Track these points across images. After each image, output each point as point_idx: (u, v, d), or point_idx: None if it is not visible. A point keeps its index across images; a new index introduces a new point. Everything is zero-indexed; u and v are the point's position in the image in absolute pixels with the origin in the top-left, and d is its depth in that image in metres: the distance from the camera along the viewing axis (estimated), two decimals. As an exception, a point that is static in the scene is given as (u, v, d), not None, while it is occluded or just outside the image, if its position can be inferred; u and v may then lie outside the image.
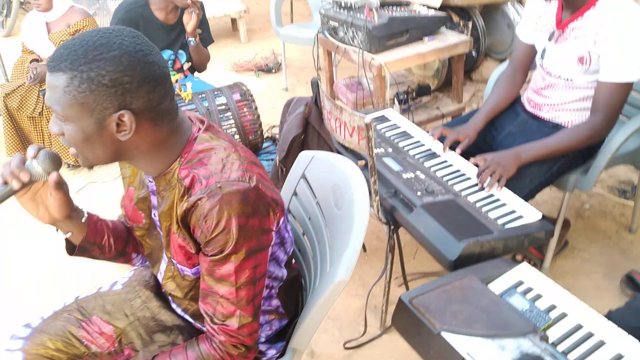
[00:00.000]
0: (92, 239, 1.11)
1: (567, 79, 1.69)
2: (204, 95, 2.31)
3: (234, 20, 4.76)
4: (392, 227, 1.61)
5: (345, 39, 2.62)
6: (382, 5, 2.59)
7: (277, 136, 2.70)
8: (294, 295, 1.17)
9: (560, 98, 1.74)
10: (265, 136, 2.53)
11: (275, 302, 1.09)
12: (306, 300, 1.17)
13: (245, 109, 2.27)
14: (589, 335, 1.03)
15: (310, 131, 1.75)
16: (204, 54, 2.53)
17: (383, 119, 1.97)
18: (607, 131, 1.66)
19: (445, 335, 1.01)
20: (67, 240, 1.10)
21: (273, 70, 4.03)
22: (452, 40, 2.58)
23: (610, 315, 1.16)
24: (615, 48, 1.53)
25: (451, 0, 3.04)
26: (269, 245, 0.94)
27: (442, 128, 1.82)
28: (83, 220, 1.08)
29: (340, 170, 1.14)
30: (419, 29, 2.56)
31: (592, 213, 2.34)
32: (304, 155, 1.29)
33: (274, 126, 2.84)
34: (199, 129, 0.96)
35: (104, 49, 0.82)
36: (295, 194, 1.30)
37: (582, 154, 1.72)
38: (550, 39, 1.71)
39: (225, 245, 0.88)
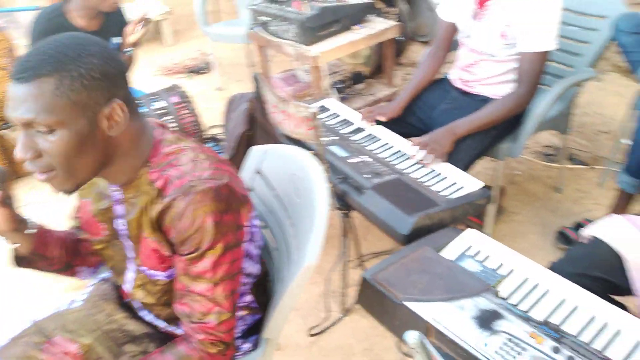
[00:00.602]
0: (40, 251, 1.09)
1: (491, 54, 1.82)
2: (140, 101, 2.26)
3: (157, 23, 4.64)
4: (345, 211, 1.67)
5: (277, 32, 2.65)
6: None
7: (219, 136, 2.70)
8: (264, 289, 1.20)
9: (486, 73, 1.87)
10: (205, 137, 2.52)
11: (249, 297, 1.12)
12: (274, 291, 1.20)
13: (184, 111, 2.25)
14: (535, 286, 1.14)
15: (256, 126, 1.77)
16: (132, 61, 2.48)
17: (323, 108, 2.02)
18: (530, 99, 1.80)
19: (409, 304, 1.08)
20: (13, 250, 1.07)
21: (204, 71, 3.98)
22: (381, 26, 2.67)
23: (552, 267, 1.27)
24: (531, 20, 1.67)
25: (373, -12, 3.13)
26: (243, 241, 0.97)
27: (367, 108, 1.93)
28: (32, 231, 1.06)
29: (297, 160, 1.18)
30: (348, 17, 2.63)
31: (523, 178, 2.52)
32: (257, 150, 1.32)
33: (212, 126, 2.82)
34: (162, 132, 0.97)
35: (83, 46, 0.83)
36: (251, 189, 1.33)
37: (510, 123, 1.86)
38: (472, 17, 1.83)
39: (201, 243, 0.90)
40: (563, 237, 2.07)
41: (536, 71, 1.74)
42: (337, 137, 1.81)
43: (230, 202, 0.91)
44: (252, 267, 1.08)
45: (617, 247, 1.25)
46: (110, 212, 1.03)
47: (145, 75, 3.94)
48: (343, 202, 1.62)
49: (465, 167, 1.76)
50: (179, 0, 4.82)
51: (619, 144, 2.25)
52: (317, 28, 2.51)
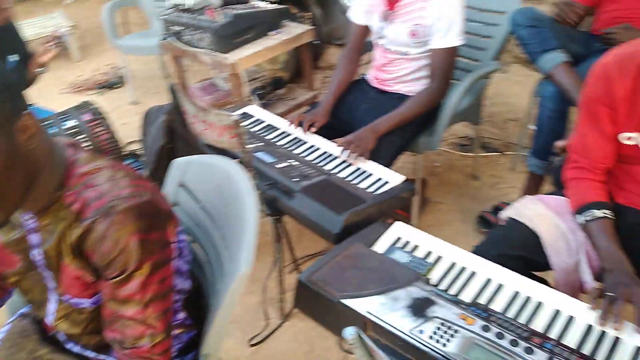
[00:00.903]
0: None
1: (404, 53, 1.89)
2: (49, 121, 2.13)
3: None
4: (276, 217, 1.67)
5: (192, 41, 2.60)
6: (224, 4, 2.61)
7: (138, 151, 2.59)
8: (198, 305, 1.17)
9: (401, 71, 1.95)
10: (123, 154, 2.42)
11: (182, 314, 1.09)
12: (209, 306, 1.18)
13: (99, 129, 2.14)
14: (462, 270, 1.20)
15: (176, 138, 1.73)
16: (34, 79, 2.34)
17: (246, 115, 2.01)
18: (444, 93, 1.89)
19: (345, 301, 1.10)
20: None
21: (117, 86, 3.82)
22: (296, 31, 2.69)
23: (475, 250, 1.34)
24: (439, 18, 1.77)
25: (287, -7, 3.16)
26: (172, 258, 0.94)
27: (296, 115, 1.93)
28: None
29: (221, 169, 1.16)
30: (264, 24, 2.63)
31: (443, 169, 2.64)
32: (179, 163, 1.28)
33: (131, 142, 2.71)
34: (75, 152, 0.92)
35: None
36: (175, 204, 1.29)
37: (426, 118, 1.94)
38: (383, 19, 1.89)
39: (127, 264, 0.85)
40: (483, 221, 2.19)
41: (447, 66, 1.84)
42: (263, 143, 1.80)
43: (154, 219, 0.88)
44: (183, 284, 1.05)
45: (532, 225, 1.34)
46: (24, 243, 0.96)
47: (53, 94, 3.73)
48: (273, 208, 1.61)
49: (389, 163, 1.83)
50: (84, 13, 4.61)
51: (525, 130, 2.42)
52: (232, 35, 2.49)
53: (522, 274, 1.18)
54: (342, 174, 1.62)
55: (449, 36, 1.79)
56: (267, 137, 1.85)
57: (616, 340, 1.02)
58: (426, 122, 1.97)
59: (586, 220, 1.26)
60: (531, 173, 2.07)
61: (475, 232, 2.20)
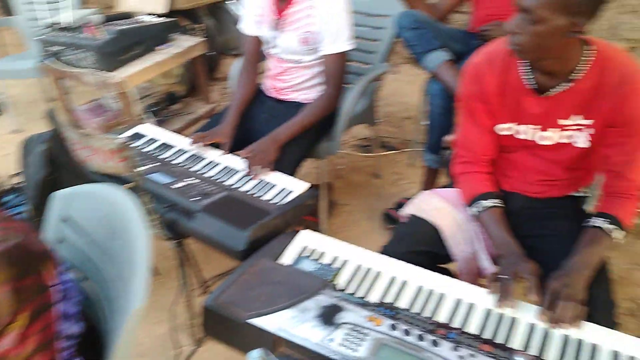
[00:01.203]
0: None
1: (297, 61, 1.90)
2: None
3: None
4: (178, 240, 1.59)
5: (73, 61, 2.42)
6: (106, 21, 2.47)
7: (20, 185, 2.37)
8: (93, 346, 1.07)
9: (296, 79, 1.95)
10: (3, 189, 2.20)
11: (76, 360, 0.99)
12: (106, 345, 1.09)
13: (-30, 164, 1.92)
14: (368, 271, 1.21)
15: (59, 168, 1.59)
16: None
17: (138, 135, 1.90)
18: (339, 98, 1.92)
19: (253, 320, 1.06)
20: None
21: (-5, 113, 3.48)
22: (187, 43, 2.61)
23: (384, 250, 1.36)
24: (327, 24, 1.79)
25: (175, 6, 3.06)
26: (53, 302, 0.85)
27: (197, 134, 1.84)
28: None
29: (108, 198, 1.08)
30: (151, 38, 2.52)
31: (346, 171, 2.69)
32: (60, 196, 1.18)
33: (13, 175, 2.47)
34: None
35: None
36: (60, 240, 1.18)
37: (324, 123, 1.96)
38: (273, 28, 1.88)
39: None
40: (388, 218, 2.26)
41: (339, 71, 1.87)
42: (158, 164, 1.72)
43: (26, 263, 0.80)
44: (72, 328, 0.96)
45: (432, 220, 1.39)
46: None
47: None
48: (174, 231, 1.53)
49: (292, 172, 1.82)
50: (-52, 36, 4.16)
51: (419, 127, 2.53)
52: (117, 52, 2.36)
53: (429, 268, 1.22)
54: (245, 188, 1.58)
55: (338, 41, 1.82)
56: (162, 157, 1.76)
57: (513, 320, 1.08)
58: (325, 128, 1.99)
59: (478, 212, 1.33)
60: (428, 167, 2.17)
61: (382, 229, 2.26)
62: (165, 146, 1.83)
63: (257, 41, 2.01)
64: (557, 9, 1.06)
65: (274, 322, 1.05)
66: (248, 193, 1.56)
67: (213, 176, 1.65)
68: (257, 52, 2.04)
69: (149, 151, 1.80)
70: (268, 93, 2.05)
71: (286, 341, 1.03)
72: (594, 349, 1.01)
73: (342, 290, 1.15)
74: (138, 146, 1.83)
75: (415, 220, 1.42)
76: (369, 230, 2.26)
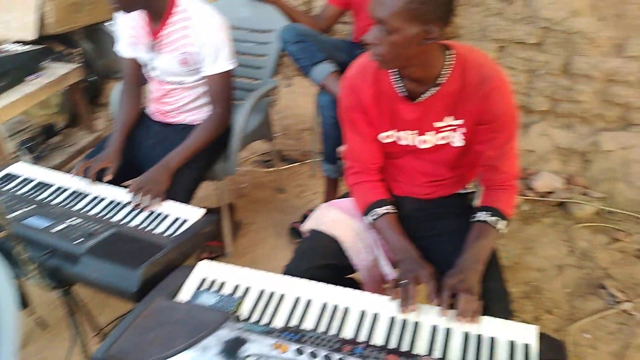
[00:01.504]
0: None
1: (179, 83, 1.82)
2: None
3: None
4: (65, 288, 1.45)
5: None
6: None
7: None
8: None
9: (181, 101, 1.87)
10: None
11: None
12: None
13: None
14: (271, 295, 1.17)
15: None
16: None
17: (10, 177, 1.72)
18: (228, 117, 1.88)
19: (151, 367, 0.99)
20: None
21: None
22: (60, 71, 2.43)
23: (286, 270, 1.33)
24: (205, 45, 1.73)
25: (47, 31, 2.83)
26: None
27: (80, 163, 1.72)
28: None
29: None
30: (18, 69, 2.32)
31: (250, 189, 2.64)
32: None
33: None
34: None
35: None
36: None
37: (217, 144, 1.90)
38: (150, 50, 1.79)
39: None
40: (295, 232, 2.24)
41: (225, 91, 1.82)
42: (34, 206, 1.56)
43: None
44: None
45: (331, 232, 1.39)
46: None
47: None
48: (58, 279, 1.40)
49: (187, 198, 1.74)
50: None
51: (316, 138, 2.55)
52: (-22, 86, 2.14)
53: (335, 281, 1.21)
54: (134, 222, 1.48)
55: (220, 61, 1.77)
56: (39, 198, 1.61)
57: (416, 324, 1.09)
58: (219, 148, 1.93)
59: (373, 219, 1.34)
60: (327, 177, 2.18)
61: (290, 244, 2.23)
62: (43, 185, 1.67)
63: (136, 64, 1.91)
64: (408, 18, 1.09)
65: (173, 367, 0.98)
66: (138, 228, 1.46)
67: (98, 213, 1.53)
68: (137, 75, 1.94)
69: (23, 193, 1.63)
70: (154, 117, 1.95)
71: (187, 385, 0.96)
72: (493, 341, 1.05)
73: (246, 320, 1.10)
74: (10, 189, 1.65)
75: (315, 234, 1.41)
76: (278, 246, 2.23)
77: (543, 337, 1.05)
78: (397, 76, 1.27)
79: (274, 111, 2.38)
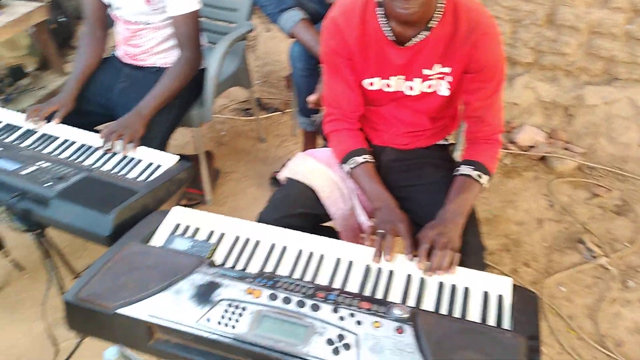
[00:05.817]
0: None
1: (145, 23, 1.74)
2: None
3: None
4: (37, 231, 1.43)
5: None
6: None
7: None
8: None
9: (149, 43, 1.80)
10: None
11: None
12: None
13: None
14: (246, 242, 1.16)
15: None
16: None
17: (-25, 119, 1.65)
18: (199, 60, 1.81)
19: (123, 310, 0.97)
20: None
21: None
22: (22, 10, 2.28)
23: (260, 217, 1.32)
24: None
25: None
26: None
27: (32, 107, 1.65)
28: None
29: None
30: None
31: (229, 137, 2.59)
32: None
33: None
34: None
35: None
36: None
37: (191, 89, 1.84)
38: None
39: None
40: (276, 182, 2.22)
41: (192, 32, 1.75)
42: (1, 149, 1.51)
43: None
44: None
45: (307, 181, 1.37)
46: None
47: None
48: (29, 222, 1.37)
49: (162, 145, 1.71)
50: None
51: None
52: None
53: (310, 230, 1.20)
54: (107, 167, 1.44)
55: (186, 1, 1.68)
56: (7, 141, 1.55)
57: (391, 273, 1.10)
58: (193, 94, 1.87)
59: (350, 168, 1.32)
60: (304, 130, 2.13)
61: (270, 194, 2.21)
62: (10, 128, 1.61)
63: (99, 4, 1.81)
64: None
65: (145, 309, 0.97)
66: (111, 172, 1.42)
67: (68, 157, 1.48)
68: (101, 16, 1.85)
69: (-11, 135, 1.57)
70: (123, 60, 1.88)
71: (160, 327, 0.96)
72: (467, 292, 1.06)
73: (221, 265, 1.09)
74: (-25, 131, 1.59)
75: (291, 183, 1.39)
76: (259, 196, 2.21)
77: (517, 289, 1.05)
78: (385, 19, 1.21)
79: (253, 57, 2.29)
